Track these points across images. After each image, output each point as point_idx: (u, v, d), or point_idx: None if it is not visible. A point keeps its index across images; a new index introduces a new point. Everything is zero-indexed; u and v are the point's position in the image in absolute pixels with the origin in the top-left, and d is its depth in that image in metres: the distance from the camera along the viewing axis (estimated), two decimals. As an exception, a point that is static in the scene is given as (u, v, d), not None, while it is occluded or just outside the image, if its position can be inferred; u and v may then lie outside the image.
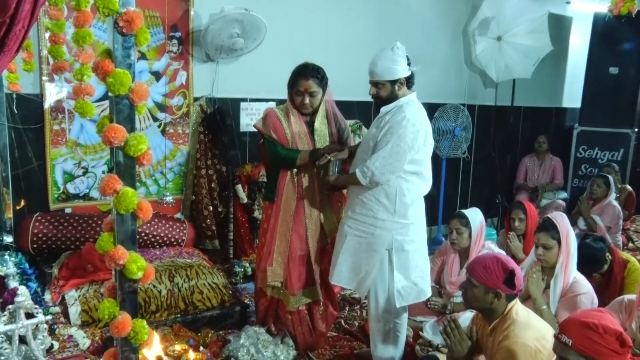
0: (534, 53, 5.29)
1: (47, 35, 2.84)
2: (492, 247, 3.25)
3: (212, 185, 4.12)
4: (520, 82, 5.65)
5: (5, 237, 3.32)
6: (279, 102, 3.66)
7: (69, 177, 3.69)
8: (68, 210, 3.69)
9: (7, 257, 3.12)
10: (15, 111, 3.40)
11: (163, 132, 4.01)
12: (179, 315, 3.18)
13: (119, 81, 1.50)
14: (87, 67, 1.79)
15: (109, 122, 1.56)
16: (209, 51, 3.97)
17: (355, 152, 2.81)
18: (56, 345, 2.80)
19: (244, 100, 4.30)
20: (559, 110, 6.57)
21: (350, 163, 2.84)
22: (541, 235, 2.83)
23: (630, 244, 4.85)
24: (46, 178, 3.60)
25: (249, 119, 4.29)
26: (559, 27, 5.95)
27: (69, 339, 2.87)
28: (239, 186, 4.17)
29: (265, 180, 3.88)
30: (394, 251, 2.65)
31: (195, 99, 4.10)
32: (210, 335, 3.03)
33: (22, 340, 2.37)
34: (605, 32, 5.73)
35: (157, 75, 3.91)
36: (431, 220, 4.28)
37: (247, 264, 4.06)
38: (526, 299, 2.75)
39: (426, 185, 2.74)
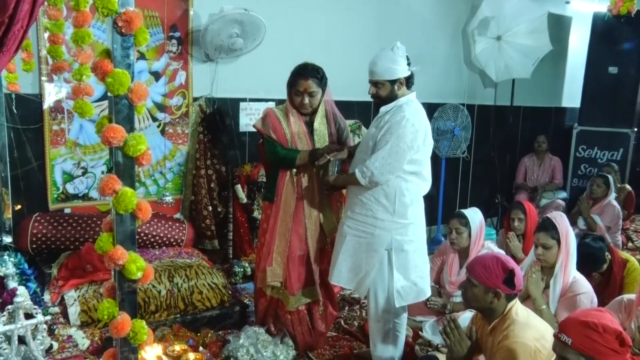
0: (534, 53, 5.29)
1: (46, 35, 2.84)
2: (492, 247, 3.25)
3: (212, 185, 4.12)
4: (519, 81, 5.65)
5: (4, 238, 3.32)
6: (279, 102, 3.65)
7: (68, 177, 3.69)
8: (67, 211, 3.69)
9: (6, 257, 3.12)
10: (15, 111, 3.40)
11: (162, 132, 4.01)
12: (178, 316, 3.18)
13: (118, 81, 1.50)
14: (86, 67, 1.79)
15: (108, 122, 1.56)
16: (209, 51, 3.97)
17: (355, 152, 2.81)
18: (55, 345, 2.80)
19: (244, 100, 4.30)
20: (559, 110, 6.57)
21: (349, 163, 2.84)
22: (541, 235, 2.83)
23: (630, 244, 4.85)
24: (45, 178, 3.60)
25: (248, 119, 4.29)
26: (558, 26, 5.95)
27: (69, 339, 2.87)
28: (239, 186, 4.17)
29: (264, 180, 3.88)
30: (394, 251, 2.65)
31: (195, 99, 4.09)
32: (209, 335, 3.02)
33: (22, 340, 2.37)
34: (605, 31, 5.73)
35: (156, 75, 3.91)
36: (431, 220, 4.28)
37: (247, 264, 4.06)
38: (526, 298, 2.75)
39: (425, 185, 2.74)
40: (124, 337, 1.63)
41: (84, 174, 3.73)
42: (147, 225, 3.64)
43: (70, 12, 1.79)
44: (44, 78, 3.46)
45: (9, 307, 2.32)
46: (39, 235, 3.39)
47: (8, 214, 3.38)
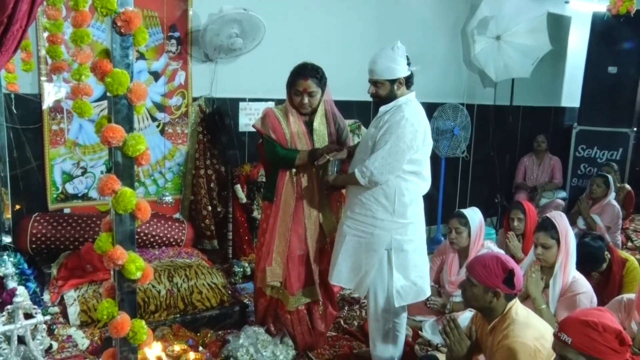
0: (533, 52, 5.30)
1: (45, 35, 2.84)
2: (492, 247, 3.25)
3: (211, 185, 4.12)
4: (519, 81, 5.65)
5: (4, 238, 3.32)
6: (278, 102, 3.65)
7: (68, 177, 3.69)
8: (67, 211, 3.69)
9: (5, 257, 3.12)
10: (14, 111, 3.40)
11: (162, 132, 4.00)
12: (178, 315, 3.17)
13: (117, 81, 1.50)
14: (85, 67, 1.79)
15: (108, 122, 1.56)
16: (208, 51, 3.97)
17: (354, 152, 2.81)
18: (55, 345, 2.80)
19: (243, 100, 4.30)
20: (558, 110, 6.57)
21: (349, 163, 2.84)
22: (540, 235, 2.83)
23: (630, 243, 4.86)
24: (45, 178, 3.59)
25: (247, 119, 4.29)
26: (557, 26, 5.95)
27: (68, 339, 2.87)
28: (238, 186, 4.17)
29: (264, 180, 3.88)
30: (393, 251, 2.65)
31: (194, 99, 4.09)
32: (209, 335, 3.02)
33: (21, 340, 2.37)
34: (604, 31, 5.73)
35: (155, 75, 3.91)
36: (430, 219, 4.28)
37: (246, 264, 4.06)
38: (525, 298, 2.75)
39: (425, 185, 2.74)
40: (123, 337, 1.63)
41: (83, 173, 3.73)
42: (147, 225, 3.64)
43: (70, 12, 1.79)
44: (43, 78, 3.46)
45: (9, 307, 2.32)
46: (39, 235, 3.39)
47: (7, 214, 3.38)
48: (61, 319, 3.03)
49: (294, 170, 2.89)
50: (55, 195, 3.66)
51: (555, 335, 1.75)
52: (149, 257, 3.49)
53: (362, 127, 4.68)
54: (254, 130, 3.21)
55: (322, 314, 3.09)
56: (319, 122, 2.93)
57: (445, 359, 2.23)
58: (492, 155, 5.92)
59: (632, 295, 2.58)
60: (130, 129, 1.56)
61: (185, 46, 3.98)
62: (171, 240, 3.77)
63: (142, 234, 3.61)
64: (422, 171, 2.68)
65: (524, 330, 2.02)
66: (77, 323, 2.98)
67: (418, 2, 5.07)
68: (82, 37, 1.70)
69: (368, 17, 4.78)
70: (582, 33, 6.05)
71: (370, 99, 2.72)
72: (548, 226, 2.82)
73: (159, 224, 3.74)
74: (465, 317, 2.91)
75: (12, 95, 3.34)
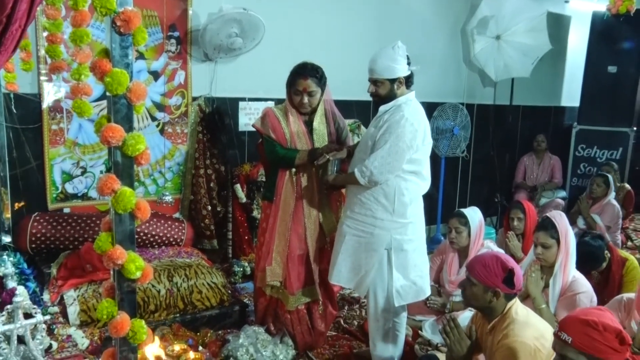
0: (533, 52, 5.29)
1: (44, 34, 2.83)
2: (492, 246, 3.25)
3: (211, 185, 4.12)
4: (519, 81, 5.65)
5: (3, 237, 3.32)
6: (278, 101, 3.65)
7: (68, 176, 3.68)
8: (66, 210, 3.69)
9: (5, 257, 3.11)
10: (14, 111, 3.40)
11: (162, 131, 4.00)
12: (178, 315, 3.17)
13: (116, 81, 1.50)
14: (84, 66, 1.78)
15: (107, 121, 1.56)
16: (208, 51, 3.97)
17: (354, 151, 2.81)
18: (55, 345, 2.80)
19: (243, 99, 4.29)
20: (558, 109, 6.57)
21: (348, 162, 2.84)
22: (540, 235, 2.83)
23: (629, 243, 4.85)
24: (44, 178, 3.59)
25: (247, 119, 4.29)
26: (557, 25, 5.95)
27: (68, 338, 2.87)
28: (238, 186, 4.17)
29: (264, 179, 3.88)
30: (393, 250, 2.65)
31: (194, 99, 4.09)
32: (209, 334, 3.02)
33: (21, 340, 2.37)
34: (604, 30, 5.73)
35: (155, 75, 3.91)
36: (430, 219, 4.27)
37: (246, 264, 4.06)
38: (525, 297, 2.75)
39: (425, 185, 2.74)
40: (123, 337, 1.63)
41: (83, 173, 3.73)
42: (147, 224, 3.64)
43: (69, 12, 1.79)
44: (42, 78, 3.45)
45: (8, 306, 2.32)
46: (38, 235, 3.39)
47: (7, 214, 3.38)
48: (61, 319, 3.03)
49: (293, 169, 2.89)
50: (54, 195, 3.66)
51: (555, 334, 1.75)
52: (148, 256, 3.48)
53: (362, 127, 4.68)
54: (253, 129, 3.21)
55: (322, 313, 3.09)
56: (318, 122, 2.93)
57: (445, 358, 2.23)
58: (491, 155, 5.92)
59: (632, 295, 2.58)
60: (129, 128, 1.56)
61: (184, 46, 3.98)
62: (171, 239, 3.77)
63: (141, 234, 3.61)
64: (421, 171, 2.68)
65: (523, 330, 2.02)
66: (77, 323, 2.98)
67: (418, 2, 5.07)
68: (81, 36, 1.70)
69: (368, 17, 4.78)
70: (582, 32, 6.05)
71: (370, 99, 2.72)
72: (548, 226, 2.82)
73: (158, 224, 3.73)
74: (465, 317, 2.91)
75: (12, 95, 3.34)
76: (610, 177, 4.78)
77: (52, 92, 3.50)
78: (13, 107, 3.39)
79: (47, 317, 2.63)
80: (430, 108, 4.60)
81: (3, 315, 2.32)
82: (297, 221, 2.92)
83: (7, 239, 3.33)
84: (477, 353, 2.23)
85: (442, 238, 4.83)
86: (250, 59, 4.14)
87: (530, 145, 6.06)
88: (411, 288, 2.71)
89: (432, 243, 4.71)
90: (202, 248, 4.01)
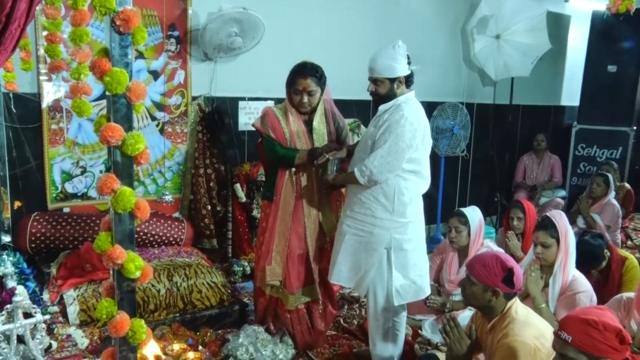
0: (533, 51, 5.29)
1: (44, 34, 2.83)
2: (491, 246, 3.25)
3: (211, 185, 4.12)
4: (518, 80, 5.65)
5: (3, 237, 3.32)
6: (278, 101, 3.65)
7: (67, 176, 3.68)
8: (66, 210, 3.69)
9: (5, 256, 3.11)
10: (13, 110, 3.40)
11: (161, 131, 4.00)
12: (177, 315, 3.17)
13: (116, 80, 1.49)
14: (84, 66, 1.78)
15: (107, 121, 1.56)
16: (207, 50, 3.96)
17: (354, 151, 2.81)
18: (54, 344, 2.80)
19: (243, 99, 4.29)
20: (558, 109, 6.57)
21: (348, 162, 2.83)
22: (540, 234, 2.83)
23: (629, 242, 4.85)
24: (44, 177, 3.59)
25: (247, 118, 4.28)
26: (557, 25, 5.95)
27: (68, 338, 2.87)
28: (238, 185, 4.17)
29: (263, 179, 3.87)
30: (393, 250, 2.65)
31: (194, 98, 4.09)
32: (209, 334, 3.02)
33: (21, 339, 2.37)
34: (604, 30, 5.72)
35: (155, 74, 3.91)
36: (430, 218, 4.28)
37: (246, 263, 4.06)
38: (525, 297, 2.75)
39: (425, 184, 2.73)
40: (122, 337, 1.63)
41: (82, 173, 3.73)
42: (146, 224, 3.64)
43: (68, 11, 1.78)
44: (42, 77, 3.45)
45: (8, 306, 2.32)
46: (38, 235, 3.39)
47: (7, 213, 3.38)
48: (60, 318, 3.03)
49: (293, 169, 2.89)
50: (54, 195, 3.65)
51: (555, 333, 1.75)
52: (148, 256, 3.48)
53: (362, 126, 4.68)
54: (253, 129, 3.21)
55: (322, 313, 3.09)
56: (318, 121, 2.93)
57: (445, 358, 2.23)
58: (491, 154, 5.92)
59: (631, 294, 2.58)
60: (129, 128, 1.56)
61: (184, 45, 3.98)
62: (171, 239, 3.77)
63: (141, 233, 3.61)
64: (421, 170, 2.68)
65: (523, 329, 2.02)
66: (77, 322, 2.98)
67: (418, 1, 5.07)
68: (81, 36, 1.70)
69: (368, 16, 4.78)
70: (582, 32, 6.04)
71: (370, 98, 2.72)
72: (548, 225, 2.82)
73: (158, 223, 3.73)
74: (465, 316, 2.91)
75: (11, 95, 3.34)
76: (610, 176, 4.78)
77: (52, 92, 3.50)
78: (12, 106, 3.39)
79: (47, 316, 2.63)
80: (430, 107, 4.60)
81: (3, 315, 2.32)
82: (297, 220, 2.92)
83: (6, 238, 3.34)
84: (477, 352, 2.23)
85: (442, 237, 4.84)
86: (250, 59, 4.14)
87: (530, 145, 6.05)
88: (411, 287, 2.71)
89: (432, 242, 4.71)
90: (201, 247, 4.01)
